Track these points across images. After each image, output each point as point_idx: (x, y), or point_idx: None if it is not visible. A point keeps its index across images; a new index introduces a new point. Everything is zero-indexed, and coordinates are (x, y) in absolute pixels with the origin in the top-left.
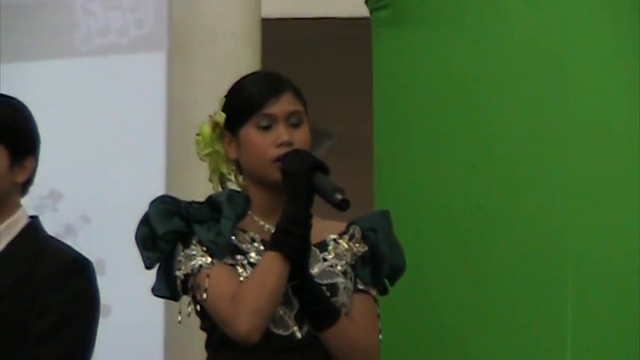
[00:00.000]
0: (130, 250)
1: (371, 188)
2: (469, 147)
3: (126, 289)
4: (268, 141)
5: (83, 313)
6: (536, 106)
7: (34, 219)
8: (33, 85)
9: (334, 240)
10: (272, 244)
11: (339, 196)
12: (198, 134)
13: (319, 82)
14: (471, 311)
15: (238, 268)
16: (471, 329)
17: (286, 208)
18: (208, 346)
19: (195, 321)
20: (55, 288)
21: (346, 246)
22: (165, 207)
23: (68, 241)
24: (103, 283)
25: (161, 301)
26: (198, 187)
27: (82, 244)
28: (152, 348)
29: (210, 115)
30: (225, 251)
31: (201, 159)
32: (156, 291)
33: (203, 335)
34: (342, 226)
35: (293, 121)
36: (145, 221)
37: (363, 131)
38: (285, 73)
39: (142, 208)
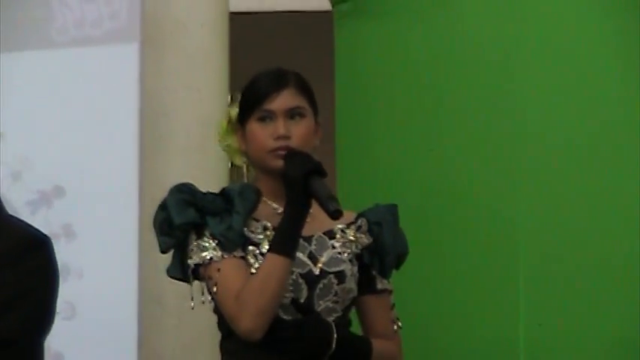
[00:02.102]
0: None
1: (333, 171)
2: (427, 132)
3: (97, 254)
4: (267, 133)
5: (40, 287)
6: (489, 93)
7: None
8: (13, 75)
9: (341, 230)
10: (273, 245)
11: (332, 206)
12: (219, 128)
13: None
14: (427, 289)
15: (250, 258)
16: (427, 306)
17: (285, 210)
18: (222, 327)
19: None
20: (11, 263)
21: (352, 237)
22: (182, 197)
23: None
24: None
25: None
26: (169, 170)
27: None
28: (126, 310)
29: (226, 112)
30: (235, 245)
31: (223, 150)
32: (170, 272)
33: (176, 291)
34: (351, 216)
35: (292, 115)
36: (163, 207)
37: (326, 117)
38: (251, 64)
39: (115, 191)
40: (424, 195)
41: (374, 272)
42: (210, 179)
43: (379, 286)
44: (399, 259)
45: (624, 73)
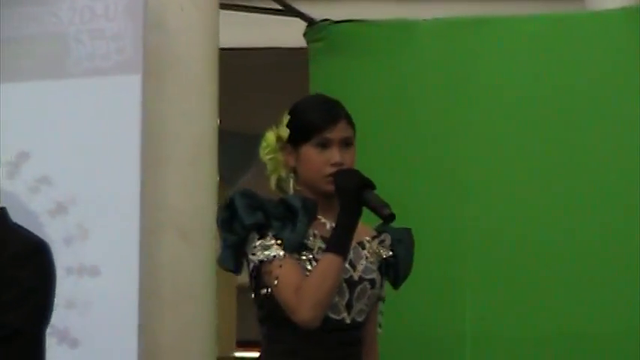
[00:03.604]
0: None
1: None
2: (392, 156)
3: (105, 254)
4: (324, 159)
5: (43, 285)
6: (446, 120)
7: (1, 210)
8: (33, 103)
9: (368, 242)
10: (330, 247)
11: (385, 211)
12: (263, 141)
13: (265, 101)
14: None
15: (306, 263)
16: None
17: (340, 218)
18: (265, 321)
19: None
20: (21, 265)
21: (376, 249)
22: (249, 201)
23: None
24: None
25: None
26: (166, 184)
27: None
28: (128, 301)
29: (274, 127)
30: (295, 248)
31: (263, 161)
32: (222, 262)
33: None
34: (372, 229)
35: (345, 144)
36: (228, 207)
37: None
38: (238, 94)
39: (120, 201)
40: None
41: (383, 281)
42: (202, 193)
43: (382, 294)
44: (407, 275)
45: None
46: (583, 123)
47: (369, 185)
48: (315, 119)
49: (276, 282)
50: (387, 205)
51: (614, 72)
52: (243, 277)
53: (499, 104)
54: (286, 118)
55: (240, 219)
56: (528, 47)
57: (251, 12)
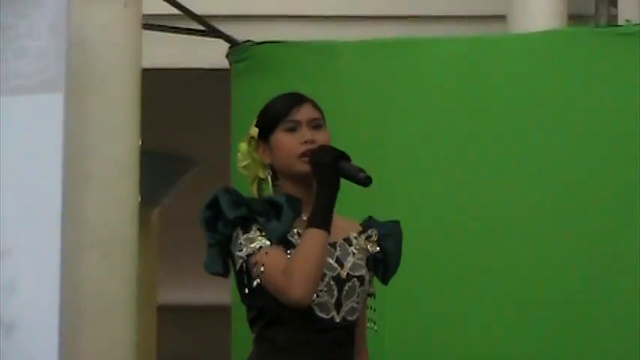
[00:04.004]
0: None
1: None
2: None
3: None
4: (295, 140)
5: None
6: (367, 141)
7: None
8: None
9: (355, 238)
10: (311, 222)
11: (362, 175)
12: (237, 152)
13: (187, 121)
14: None
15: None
16: None
17: (319, 192)
18: (256, 321)
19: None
20: None
21: (363, 245)
22: (233, 197)
23: None
24: None
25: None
26: (87, 200)
27: None
28: (48, 318)
29: (247, 134)
30: (281, 238)
31: (241, 171)
32: (208, 267)
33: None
34: (358, 225)
35: (314, 125)
36: (210, 206)
37: (225, 159)
38: (161, 114)
39: (42, 217)
40: None
41: (371, 277)
42: (123, 212)
43: (371, 290)
44: (396, 270)
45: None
46: (504, 143)
47: (343, 157)
48: (279, 106)
49: (263, 268)
50: (362, 170)
51: (536, 93)
52: (165, 296)
53: (420, 125)
54: (255, 121)
55: (224, 214)
56: (450, 69)
57: (174, 32)
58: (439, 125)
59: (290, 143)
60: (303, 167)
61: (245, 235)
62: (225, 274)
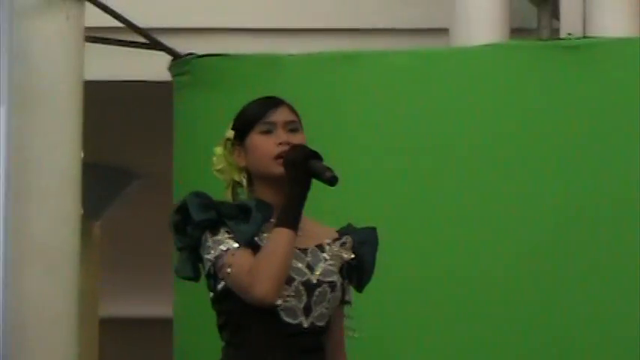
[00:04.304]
0: None
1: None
2: None
3: None
4: (270, 142)
5: None
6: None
7: None
8: None
9: (329, 244)
10: (279, 220)
11: (328, 174)
12: (212, 156)
13: (130, 133)
14: None
15: None
16: None
17: (288, 190)
18: (224, 327)
19: None
20: None
21: (337, 252)
22: (201, 200)
23: None
24: None
25: None
26: (30, 213)
27: None
28: None
29: (223, 137)
30: (250, 241)
31: (216, 175)
32: (179, 272)
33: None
34: (334, 232)
35: (290, 128)
36: (179, 210)
37: (168, 172)
38: (103, 127)
39: None
40: None
41: (345, 284)
42: (65, 225)
43: (347, 297)
44: (371, 278)
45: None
46: (449, 155)
47: (315, 156)
48: (255, 108)
49: (229, 270)
50: (329, 169)
51: (478, 106)
52: (106, 309)
53: (363, 138)
54: (231, 124)
55: (192, 217)
56: (393, 82)
57: (116, 45)
58: (383, 138)
59: (265, 145)
60: (278, 169)
61: (213, 238)
62: (195, 278)
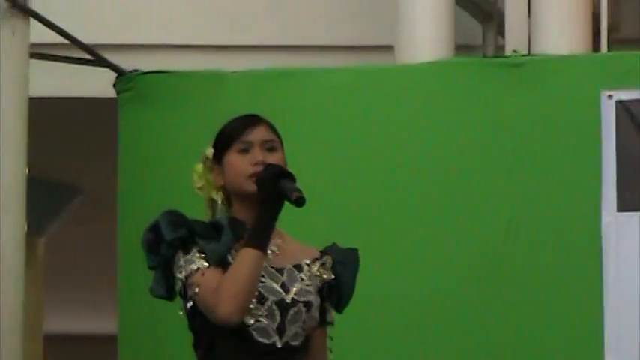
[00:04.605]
0: None
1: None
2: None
3: None
4: (246, 162)
5: None
6: None
7: None
8: None
9: (307, 264)
10: (247, 240)
11: (295, 195)
12: (193, 173)
13: (75, 150)
14: None
15: None
16: None
17: (258, 210)
18: (198, 346)
19: None
20: None
21: (317, 272)
22: (172, 218)
23: None
24: None
25: None
26: None
27: None
28: None
29: (202, 155)
30: (221, 260)
31: (197, 193)
32: (153, 291)
33: None
34: (316, 252)
35: (268, 147)
36: (152, 228)
37: (112, 188)
38: (48, 143)
39: None
40: None
41: (327, 305)
42: (7, 238)
43: (329, 318)
44: (350, 299)
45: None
46: (392, 172)
47: (286, 176)
48: (233, 127)
49: (197, 289)
50: (297, 190)
51: (423, 123)
52: (50, 326)
53: (307, 155)
54: (212, 141)
55: (163, 235)
56: (337, 99)
57: (61, 62)
58: (327, 155)
59: (240, 164)
60: (251, 188)
61: (185, 257)
62: (169, 297)
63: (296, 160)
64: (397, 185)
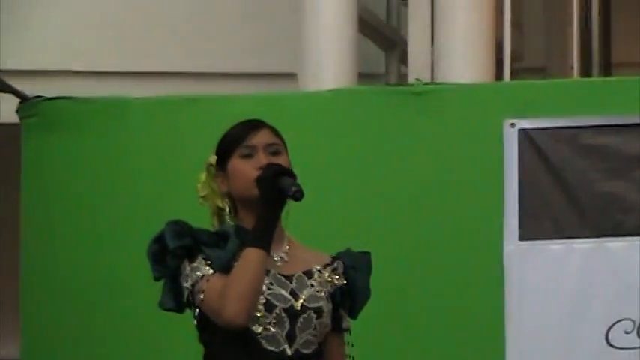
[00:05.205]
0: None
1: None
2: (106, 228)
3: None
4: (250, 166)
5: None
6: (157, 196)
7: None
8: None
9: (318, 270)
10: (249, 240)
11: (293, 189)
12: (197, 183)
13: None
14: None
15: None
16: None
17: (259, 209)
18: (208, 359)
19: None
20: None
21: (328, 277)
22: (178, 228)
23: None
24: None
25: None
26: None
27: None
28: None
29: (206, 162)
30: (226, 266)
31: (200, 203)
32: (162, 304)
33: None
34: (327, 257)
35: (272, 151)
36: (158, 239)
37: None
38: None
39: None
40: (95, 285)
41: (342, 311)
42: None
43: (344, 325)
44: (365, 303)
45: None
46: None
47: (285, 173)
48: (236, 132)
49: (202, 296)
50: (295, 185)
51: (326, 151)
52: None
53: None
54: (214, 149)
55: (167, 245)
56: None
57: None
58: None
59: (245, 169)
60: (257, 193)
61: (191, 265)
62: (178, 309)
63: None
64: (297, 212)
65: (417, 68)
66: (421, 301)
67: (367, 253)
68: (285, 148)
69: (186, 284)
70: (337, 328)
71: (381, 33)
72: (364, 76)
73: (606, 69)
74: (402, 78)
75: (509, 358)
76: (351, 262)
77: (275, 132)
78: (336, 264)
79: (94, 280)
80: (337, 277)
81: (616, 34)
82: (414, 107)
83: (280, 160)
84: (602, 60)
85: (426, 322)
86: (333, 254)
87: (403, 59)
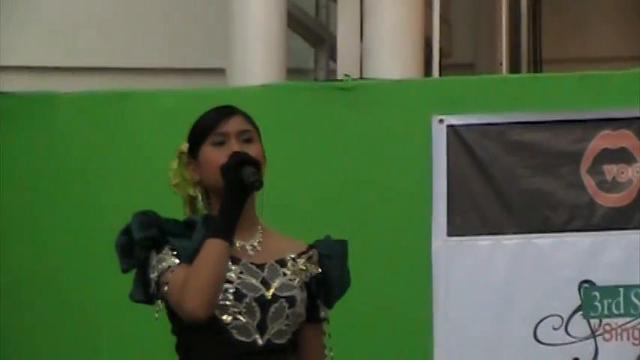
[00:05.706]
0: None
1: None
2: (37, 224)
3: None
4: (222, 154)
5: None
6: (87, 191)
7: None
8: None
9: (293, 259)
10: (211, 231)
11: (250, 179)
12: (168, 171)
13: None
14: None
15: None
16: None
17: (222, 199)
18: (178, 350)
19: None
20: None
21: (302, 266)
22: (145, 218)
23: None
24: None
25: None
26: None
27: None
28: None
29: (177, 150)
30: (192, 257)
31: (173, 191)
32: (132, 296)
33: None
34: (303, 246)
35: (245, 138)
36: (125, 231)
37: None
38: None
39: None
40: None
41: (318, 301)
42: None
43: (321, 314)
44: (343, 292)
45: None
46: None
47: (250, 163)
48: (207, 119)
49: (166, 288)
50: (254, 174)
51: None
52: None
53: (137, 178)
54: (186, 136)
55: (132, 236)
56: (167, 121)
57: None
58: (158, 176)
59: (216, 157)
60: None
61: (157, 257)
62: (148, 301)
63: (129, 180)
64: None
65: (345, 64)
66: (348, 297)
67: (343, 242)
68: (259, 134)
69: (153, 275)
70: (314, 318)
71: (310, 29)
72: (293, 72)
73: (536, 65)
74: (331, 74)
75: (438, 354)
76: (326, 250)
77: (248, 118)
78: (311, 252)
79: (34, 280)
80: (312, 265)
81: (546, 31)
82: (342, 103)
83: (252, 148)
84: (532, 56)
85: (353, 318)
86: (311, 242)
87: (332, 55)
